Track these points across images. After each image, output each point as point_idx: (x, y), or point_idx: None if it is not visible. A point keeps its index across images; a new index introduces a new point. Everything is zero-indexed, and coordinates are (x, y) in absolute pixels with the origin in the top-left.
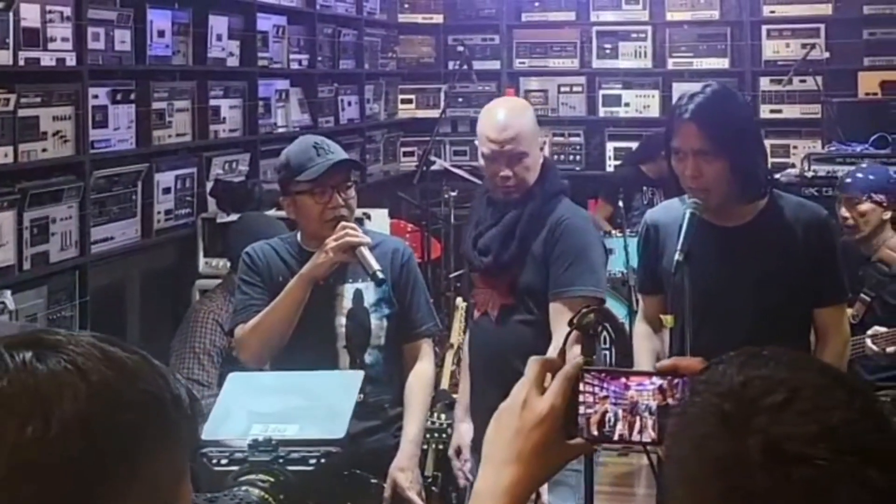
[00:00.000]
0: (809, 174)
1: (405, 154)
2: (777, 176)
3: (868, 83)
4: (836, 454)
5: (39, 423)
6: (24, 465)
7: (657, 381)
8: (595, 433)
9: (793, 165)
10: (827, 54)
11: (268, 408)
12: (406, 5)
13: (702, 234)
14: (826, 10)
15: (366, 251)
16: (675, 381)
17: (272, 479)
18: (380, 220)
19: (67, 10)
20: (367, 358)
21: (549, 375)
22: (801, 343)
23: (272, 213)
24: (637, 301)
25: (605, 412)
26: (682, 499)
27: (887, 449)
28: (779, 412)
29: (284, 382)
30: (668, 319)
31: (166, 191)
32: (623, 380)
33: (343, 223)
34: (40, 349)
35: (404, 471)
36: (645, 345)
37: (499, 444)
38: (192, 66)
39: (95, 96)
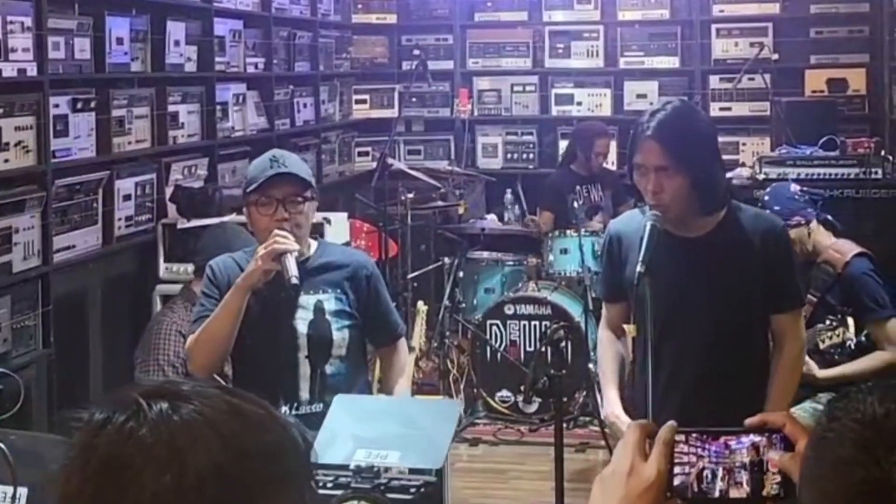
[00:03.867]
0: (761, 176)
1: (360, 154)
2: (728, 175)
3: (815, 81)
4: None
5: (176, 471)
6: None
7: (750, 438)
8: (696, 491)
9: (742, 164)
10: (776, 55)
11: (371, 433)
12: (360, 6)
13: (662, 245)
14: (774, 8)
15: (289, 258)
16: (769, 437)
17: None
18: (339, 224)
19: (28, 21)
20: (329, 368)
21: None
22: (758, 348)
23: (233, 217)
24: (591, 299)
25: (703, 470)
26: None
27: None
28: None
29: (387, 408)
30: (630, 329)
31: (126, 198)
32: (719, 440)
33: (276, 231)
34: (174, 400)
35: None
36: (610, 350)
37: None
38: (151, 72)
39: (56, 105)
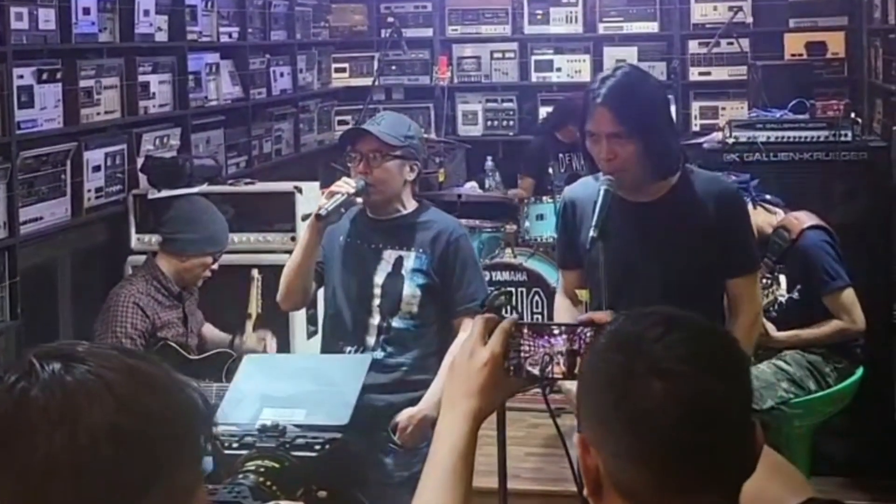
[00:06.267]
0: (731, 140)
1: (340, 123)
2: (701, 140)
3: (794, 44)
4: (698, 371)
5: (68, 431)
6: (54, 471)
7: (577, 330)
8: (530, 372)
9: (720, 128)
10: (751, 19)
11: (279, 392)
12: None
13: (616, 211)
14: None
15: (335, 198)
16: (588, 330)
17: (276, 465)
18: (311, 193)
19: None
20: (397, 322)
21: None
22: (712, 313)
23: (204, 188)
24: None
25: (543, 356)
26: (587, 414)
27: (734, 369)
28: (657, 341)
29: (296, 366)
30: (583, 294)
31: (96, 169)
32: (551, 330)
33: (344, 177)
34: (68, 361)
35: (408, 418)
36: (566, 316)
37: (454, 386)
38: (120, 42)
39: (20, 76)
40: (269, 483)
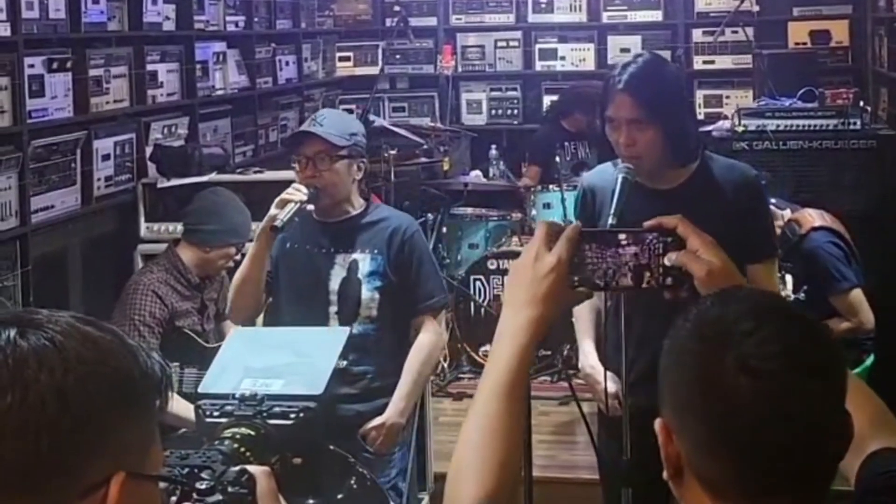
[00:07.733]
0: (740, 129)
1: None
2: (709, 129)
3: (798, 33)
4: (789, 369)
5: (19, 392)
6: (4, 431)
7: (646, 241)
8: (597, 284)
9: (725, 117)
10: (757, 8)
11: (260, 363)
12: None
13: (635, 197)
14: None
15: (288, 207)
16: (657, 238)
17: (252, 433)
18: None
19: None
20: (357, 328)
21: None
22: None
23: (213, 176)
24: None
25: (607, 269)
26: (670, 401)
27: (827, 365)
28: (749, 335)
29: (279, 338)
30: None
31: (105, 157)
32: (618, 241)
33: (294, 184)
34: (24, 327)
35: (376, 428)
36: (585, 308)
37: (517, 291)
38: (128, 31)
39: (31, 66)
40: (243, 450)
